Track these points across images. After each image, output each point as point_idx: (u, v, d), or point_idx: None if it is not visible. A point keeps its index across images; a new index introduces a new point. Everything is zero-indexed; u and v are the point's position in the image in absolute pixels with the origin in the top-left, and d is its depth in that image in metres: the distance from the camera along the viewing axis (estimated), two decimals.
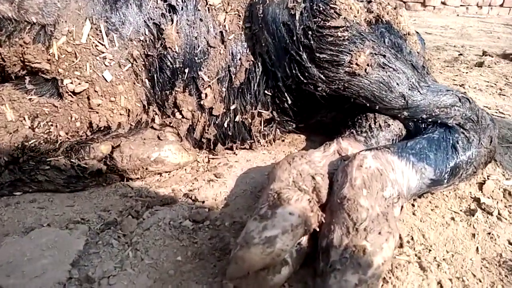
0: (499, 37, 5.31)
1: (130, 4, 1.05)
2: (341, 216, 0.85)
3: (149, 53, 1.08)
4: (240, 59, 1.18)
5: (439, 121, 1.14)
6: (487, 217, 1.09)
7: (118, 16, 1.04)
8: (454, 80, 2.52)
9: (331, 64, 1.11)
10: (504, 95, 2.18)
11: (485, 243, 1.00)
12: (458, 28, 6.07)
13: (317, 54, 1.11)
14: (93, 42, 1.00)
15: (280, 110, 1.28)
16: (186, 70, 1.14)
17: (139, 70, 1.08)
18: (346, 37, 1.10)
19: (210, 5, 1.15)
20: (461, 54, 3.58)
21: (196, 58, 1.14)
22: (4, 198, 1.05)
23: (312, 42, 1.11)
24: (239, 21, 1.19)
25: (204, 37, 1.14)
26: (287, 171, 0.94)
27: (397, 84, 1.13)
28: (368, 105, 1.17)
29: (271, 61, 1.18)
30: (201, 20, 1.14)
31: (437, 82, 1.24)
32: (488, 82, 2.53)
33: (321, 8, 1.11)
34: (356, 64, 1.10)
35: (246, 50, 1.19)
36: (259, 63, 1.20)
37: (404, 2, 7.86)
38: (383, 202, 0.89)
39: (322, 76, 1.13)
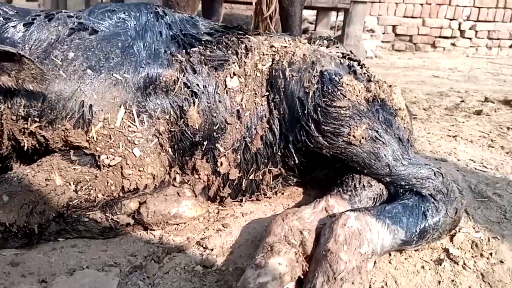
0: (505, 80, 5.50)
1: (158, 90, 1.32)
2: (324, 265, 1.06)
3: (172, 129, 1.34)
4: (255, 129, 1.42)
5: (414, 189, 1.35)
6: (453, 266, 1.28)
7: (148, 100, 1.31)
8: (449, 130, 2.72)
9: (333, 135, 1.36)
10: (493, 147, 2.37)
11: None
12: (466, 70, 6.29)
13: (323, 126, 1.36)
14: (126, 124, 1.26)
15: (287, 167, 1.51)
16: (205, 143, 1.39)
17: (164, 142, 1.33)
18: (348, 115, 1.35)
19: (229, 88, 1.41)
20: (462, 101, 3.78)
21: (214, 133, 1.39)
22: (51, 243, 1.30)
23: (320, 116, 1.36)
24: (256, 98, 1.43)
25: (222, 116, 1.39)
26: (280, 226, 1.16)
27: (385, 155, 1.36)
28: (358, 168, 1.40)
29: (286, 126, 1.42)
30: (220, 101, 1.39)
31: (417, 155, 1.46)
32: (482, 132, 2.73)
33: (330, 90, 1.36)
34: (353, 136, 1.34)
35: (262, 120, 1.43)
36: (277, 128, 1.44)
37: (415, 44, 8.16)
38: (359, 257, 1.10)
39: (325, 143, 1.38)
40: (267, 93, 1.43)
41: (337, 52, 1.54)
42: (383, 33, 7.97)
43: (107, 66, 1.24)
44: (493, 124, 2.97)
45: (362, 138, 1.33)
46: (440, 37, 8.12)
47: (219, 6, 4.58)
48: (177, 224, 1.38)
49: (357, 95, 1.37)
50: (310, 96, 1.36)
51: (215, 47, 1.44)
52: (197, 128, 1.36)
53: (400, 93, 1.60)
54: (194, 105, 1.35)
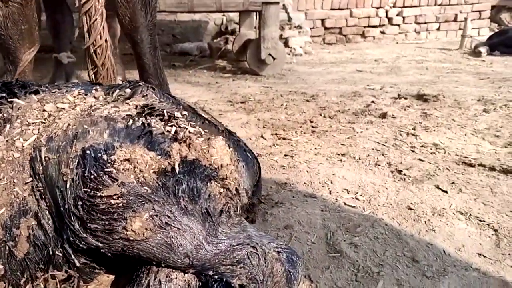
0: (427, 68, 5.43)
1: None
2: None
3: None
4: (18, 228, 1.10)
5: (224, 279, 1.09)
6: None
7: None
8: (342, 145, 2.51)
9: (105, 233, 1.06)
10: (379, 164, 2.16)
11: None
12: (391, 60, 6.20)
13: (89, 224, 1.06)
14: None
15: (76, 267, 1.19)
16: None
17: None
18: (121, 204, 1.05)
19: None
20: (373, 101, 3.60)
21: None
22: None
23: (82, 213, 1.05)
24: (14, 188, 1.11)
25: None
26: None
27: (181, 244, 1.08)
28: (154, 263, 1.12)
29: (58, 221, 1.11)
30: None
31: (234, 230, 1.17)
32: (377, 143, 2.53)
33: (92, 176, 1.05)
34: (132, 230, 1.05)
35: (26, 215, 1.10)
36: (48, 223, 1.11)
37: (345, 36, 8.07)
38: None
39: (99, 243, 1.08)
40: (31, 179, 1.12)
41: (133, 107, 1.24)
42: (312, 28, 7.81)
43: None
44: (394, 130, 2.80)
45: (146, 230, 1.05)
46: (369, 26, 8.06)
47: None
48: None
49: (139, 171, 1.07)
50: (68, 186, 1.05)
51: None
52: None
53: (223, 145, 1.32)
54: None
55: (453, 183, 1.91)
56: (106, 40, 1.86)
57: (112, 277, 1.33)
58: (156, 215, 1.06)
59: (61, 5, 3.80)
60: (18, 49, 2.15)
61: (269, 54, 5.24)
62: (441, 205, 1.70)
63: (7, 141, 1.13)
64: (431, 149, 2.41)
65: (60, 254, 1.13)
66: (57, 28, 3.86)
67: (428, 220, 1.59)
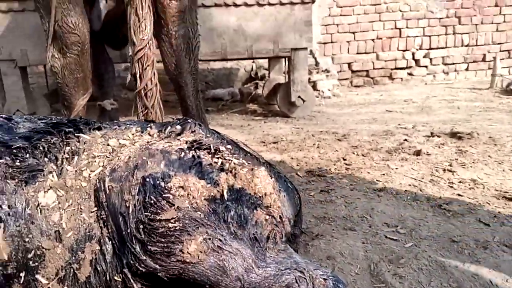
0: (459, 107, 5.42)
1: None
2: None
3: None
4: (83, 252, 1.18)
5: None
6: None
7: None
8: (378, 181, 2.53)
9: (163, 255, 1.13)
10: (418, 199, 2.17)
11: None
12: (421, 100, 6.22)
13: (149, 247, 1.13)
14: None
15: None
16: (22, 274, 1.15)
17: None
18: (177, 228, 1.12)
19: (42, 206, 1.19)
20: (406, 140, 3.62)
21: (30, 262, 1.15)
22: None
23: (143, 236, 1.14)
24: (81, 214, 1.21)
25: (38, 240, 1.16)
26: None
27: (233, 267, 1.14)
28: (207, 286, 1.17)
29: (118, 247, 1.19)
30: (32, 223, 1.17)
31: (280, 255, 1.22)
32: (414, 179, 2.54)
33: (152, 201, 1.14)
34: (188, 252, 1.12)
35: (90, 240, 1.19)
36: (108, 248, 1.19)
37: (372, 78, 8.19)
38: None
39: (157, 266, 1.15)
40: (96, 208, 1.21)
41: (184, 142, 1.34)
42: (340, 71, 7.99)
43: None
44: (430, 166, 2.81)
45: (200, 252, 1.11)
46: (396, 68, 8.15)
47: None
48: None
49: (193, 198, 1.16)
50: (131, 211, 1.14)
51: (27, 155, 1.24)
52: (7, 258, 1.14)
53: (265, 174, 1.40)
54: None
55: (495, 216, 1.90)
56: (156, 85, 2.02)
57: None
58: (209, 239, 1.12)
59: (103, 54, 4.10)
60: (73, 95, 2.36)
61: (299, 97, 5.39)
62: (484, 238, 1.69)
63: (75, 171, 1.25)
64: (469, 184, 2.39)
65: (119, 280, 1.20)
66: (101, 78, 4.14)
67: (472, 251, 1.58)
